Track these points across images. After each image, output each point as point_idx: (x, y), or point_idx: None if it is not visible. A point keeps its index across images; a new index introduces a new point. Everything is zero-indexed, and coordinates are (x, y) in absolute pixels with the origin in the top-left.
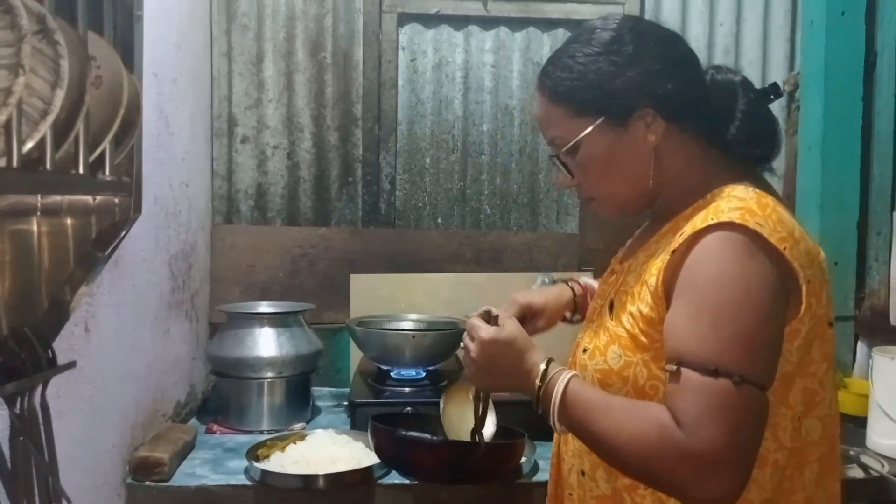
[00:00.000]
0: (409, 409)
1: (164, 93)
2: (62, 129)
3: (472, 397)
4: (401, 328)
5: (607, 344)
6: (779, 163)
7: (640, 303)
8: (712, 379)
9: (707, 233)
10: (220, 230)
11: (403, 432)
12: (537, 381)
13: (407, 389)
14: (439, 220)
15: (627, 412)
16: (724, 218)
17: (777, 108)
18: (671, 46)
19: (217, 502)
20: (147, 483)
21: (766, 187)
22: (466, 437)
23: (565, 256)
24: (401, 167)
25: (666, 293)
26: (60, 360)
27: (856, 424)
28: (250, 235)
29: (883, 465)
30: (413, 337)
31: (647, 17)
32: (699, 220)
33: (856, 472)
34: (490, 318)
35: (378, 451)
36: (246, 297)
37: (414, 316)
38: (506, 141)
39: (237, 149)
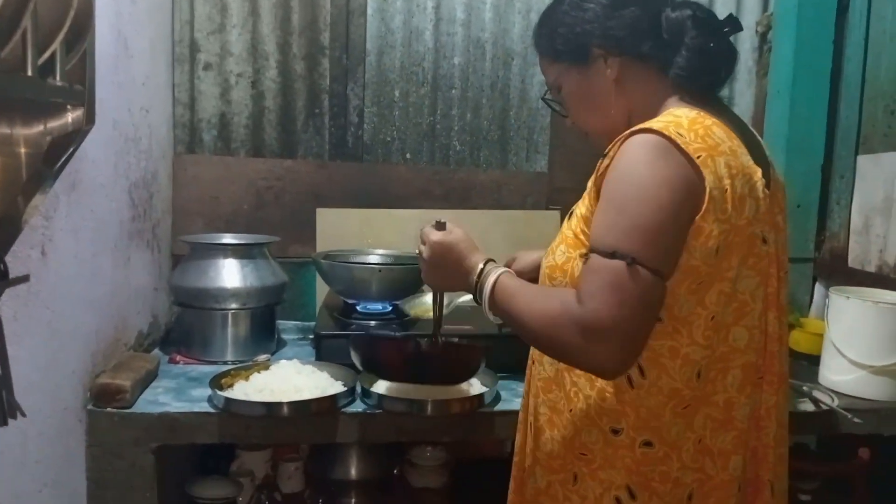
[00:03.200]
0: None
1: (123, 13)
2: (7, 27)
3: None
4: (367, 262)
5: (558, 244)
6: (747, 104)
7: (583, 205)
8: (609, 260)
9: (630, 137)
10: (183, 160)
11: (375, 333)
12: (475, 277)
13: (373, 323)
14: (408, 156)
15: (540, 294)
16: (646, 126)
17: (748, 49)
18: None
19: (180, 429)
20: (108, 409)
21: (718, 112)
22: None
23: (534, 195)
24: (369, 99)
25: (597, 193)
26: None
27: (810, 363)
28: (214, 166)
29: (833, 399)
30: (379, 271)
31: None
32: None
33: (807, 406)
34: (440, 226)
35: (361, 361)
36: (209, 228)
37: (381, 251)
38: (477, 75)
39: (199, 76)
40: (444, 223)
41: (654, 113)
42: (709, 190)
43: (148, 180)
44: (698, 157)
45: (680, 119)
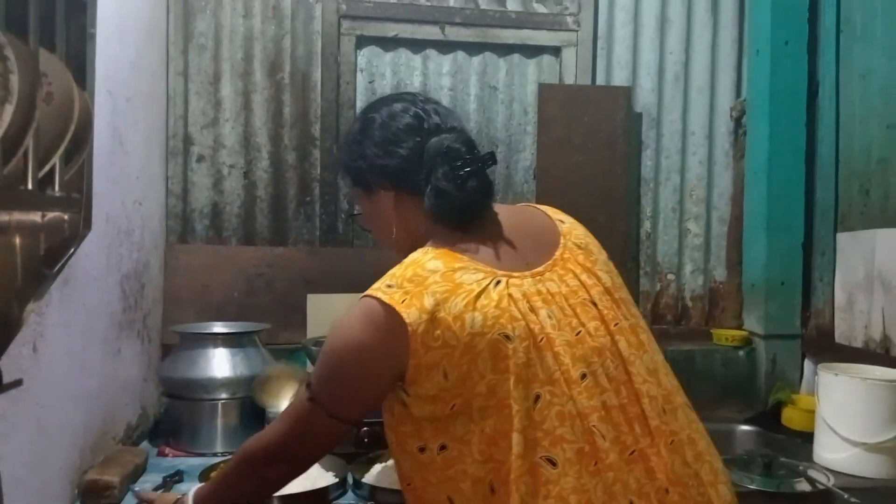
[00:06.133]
0: None
1: (119, 111)
2: (11, 145)
3: None
4: None
5: None
6: (726, 186)
7: None
8: (302, 395)
9: (362, 298)
10: (175, 249)
11: None
12: None
13: None
14: None
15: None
16: (369, 291)
17: (724, 133)
18: (386, 129)
19: None
20: None
21: (472, 231)
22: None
23: None
24: None
25: None
26: (7, 380)
27: (804, 440)
28: (205, 254)
29: (829, 479)
30: None
31: (599, 44)
32: None
33: (803, 486)
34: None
35: None
36: (201, 317)
37: None
38: None
39: (193, 168)
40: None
41: (423, 240)
42: (411, 331)
43: (139, 271)
44: (402, 303)
45: (399, 269)
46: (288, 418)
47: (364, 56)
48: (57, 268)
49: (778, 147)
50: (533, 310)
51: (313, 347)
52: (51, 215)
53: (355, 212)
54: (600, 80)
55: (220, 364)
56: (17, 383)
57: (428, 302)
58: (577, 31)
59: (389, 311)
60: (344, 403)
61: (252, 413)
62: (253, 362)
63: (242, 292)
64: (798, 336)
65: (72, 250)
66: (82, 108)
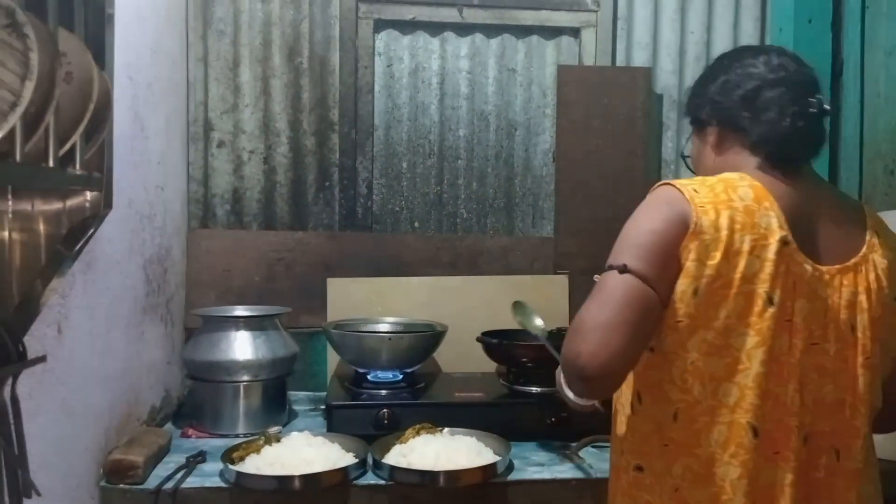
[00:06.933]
0: None
1: (140, 96)
2: (32, 123)
3: None
4: (377, 331)
5: None
6: None
7: None
8: (605, 273)
9: (655, 188)
10: (196, 234)
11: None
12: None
13: (384, 392)
14: (416, 225)
15: None
16: (668, 181)
17: None
18: (731, 72)
19: None
20: (121, 486)
21: (789, 181)
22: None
23: (541, 260)
24: (378, 172)
25: None
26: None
27: None
28: (226, 240)
29: None
30: (389, 339)
31: (618, 24)
32: None
33: None
34: None
35: None
36: (222, 301)
37: (390, 319)
38: (482, 146)
39: (213, 153)
40: None
41: (735, 171)
42: (694, 228)
43: (162, 256)
44: (701, 207)
45: (712, 180)
46: (592, 298)
47: (382, 40)
48: (79, 246)
49: None
50: (804, 294)
51: (334, 331)
52: (72, 199)
53: (685, 153)
54: (620, 61)
55: (241, 347)
56: (42, 359)
57: (722, 221)
58: (596, 11)
59: (692, 206)
60: (651, 264)
61: (273, 395)
62: (274, 345)
63: (263, 277)
64: None
65: (92, 230)
66: (101, 87)
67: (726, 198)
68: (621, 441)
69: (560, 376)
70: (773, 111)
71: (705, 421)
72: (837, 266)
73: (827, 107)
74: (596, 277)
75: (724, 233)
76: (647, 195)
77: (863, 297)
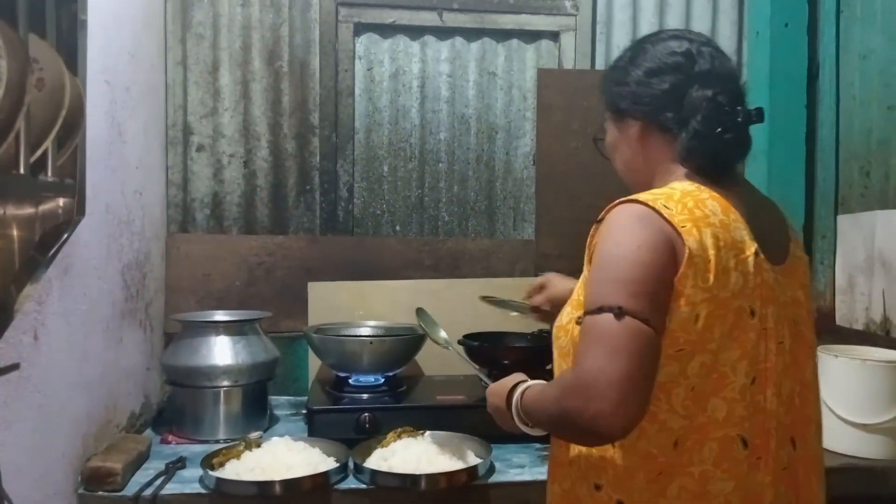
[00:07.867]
0: None
1: (117, 101)
2: (2, 130)
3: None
4: (358, 335)
5: (566, 305)
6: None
7: (585, 269)
8: (597, 316)
9: (618, 205)
10: (175, 239)
11: None
12: (505, 405)
13: (365, 396)
14: (397, 228)
15: (545, 388)
16: (634, 197)
17: None
18: (654, 60)
19: None
20: (100, 493)
21: (725, 187)
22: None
23: (522, 262)
24: (358, 175)
25: (590, 257)
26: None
27: None
28: (206, 244)
29: (830, 460)
30: (371, 343)
31: (598, 28)
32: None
33: None
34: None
35: None
36: (202, 306)
37: (372, 323)
38: (462, 149)
39: (193, 157)
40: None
41: (664, 177)
42: (689, 253)
43: (141, 261)
44: (683, 227)
45: (673, 192)
46: (598, 347)
47: (362, 43)
48: (51, 253)
49: (778, 129)
50: (771, 300)
51: (315, 335)
52: (45, 201)
53: (598, 136)
54: (599, 65)
55: (221, 352)
56: (14, 367)
57: (707, 240)
58: (575, 15)
59: (672, 227)
60: (651, 304)
61: (254, 401)
62: (255, 350)
63: (243, 281)
64: None
65: (65, 236)
66: (74, 93)
67: (701, 214)
68: (595, 473)
69: (517, 410)
70: (699, 120)
71: (696, 439)
72: (780, 266)
73: (755, 117)
74: (584, 318)
75: (710, 252)
76: (614, 215)
77: (800, 293)
